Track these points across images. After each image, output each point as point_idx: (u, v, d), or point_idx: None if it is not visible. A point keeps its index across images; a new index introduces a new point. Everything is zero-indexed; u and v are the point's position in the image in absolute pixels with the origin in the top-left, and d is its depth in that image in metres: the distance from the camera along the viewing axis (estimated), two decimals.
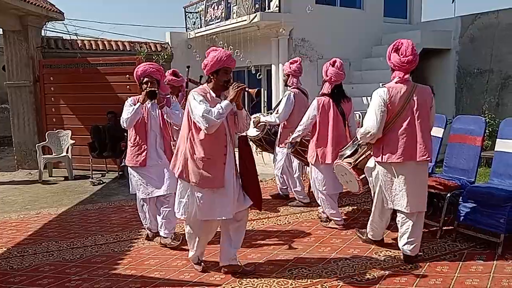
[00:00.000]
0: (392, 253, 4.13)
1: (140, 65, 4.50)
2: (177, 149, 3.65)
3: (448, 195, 4.52)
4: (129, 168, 4.50)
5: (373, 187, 4.02)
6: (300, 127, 4.95)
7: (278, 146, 5.80)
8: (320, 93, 4.90)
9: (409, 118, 3.74)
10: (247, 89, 3.52)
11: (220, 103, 3.39)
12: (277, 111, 5.67)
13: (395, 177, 3.79)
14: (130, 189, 4.53)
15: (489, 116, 8.17)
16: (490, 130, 7.53)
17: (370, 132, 3.74)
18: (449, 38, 9.33)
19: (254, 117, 5.85)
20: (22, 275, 3.92)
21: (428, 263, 3.89)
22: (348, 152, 4.28)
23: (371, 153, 3.95)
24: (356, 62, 9.55)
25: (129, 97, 4.50)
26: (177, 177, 3.63)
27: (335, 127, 4.75)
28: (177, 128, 4.24)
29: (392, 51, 3.84)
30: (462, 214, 4.33)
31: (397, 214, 3.94)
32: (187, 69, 5.23)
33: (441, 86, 9.59)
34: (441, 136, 5.20)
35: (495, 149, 4.62)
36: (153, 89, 4.18)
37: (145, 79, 4.35)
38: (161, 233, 4.47)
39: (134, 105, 4.30)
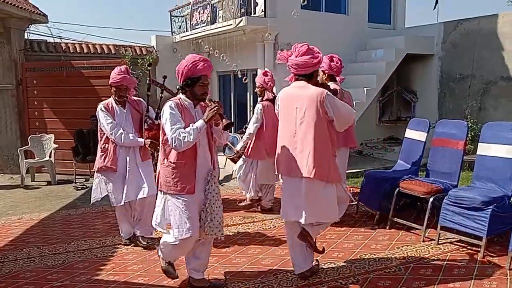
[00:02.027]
0: (376, 256, 4.16)
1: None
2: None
3: (431, 198, 4.58)
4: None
5: None
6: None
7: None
8: None
9: None
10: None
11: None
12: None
13: None
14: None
15: (471, 120, 8.30)
16: (472, 134, 7.65)
17: None
18: (432, 44, 9.48)
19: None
20: (1, 282, 3.84)
21: (411, 266, 3.92)
22: None
23: None
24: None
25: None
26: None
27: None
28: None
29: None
30: (445, 217, 4.38)
31: None
32: (163, 79, 5.03)
33: (424, 91, 9.73)
34: (424, 140, 5.27)
35: (477, 153, 4.69)
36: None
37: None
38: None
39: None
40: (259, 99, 5.80)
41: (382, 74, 8.91)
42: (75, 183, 7.88)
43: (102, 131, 4.48)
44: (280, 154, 3.63)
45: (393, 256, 4.16)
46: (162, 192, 3.40)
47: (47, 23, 9.76)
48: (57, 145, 8.28)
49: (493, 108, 8.56)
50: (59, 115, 8.77)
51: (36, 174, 8.40)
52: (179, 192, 3.28)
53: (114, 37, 37.51)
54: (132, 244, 4.67)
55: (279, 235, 4.85)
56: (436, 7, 10.45)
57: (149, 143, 4.36)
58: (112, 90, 4.53)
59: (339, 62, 4.98)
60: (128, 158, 4.45)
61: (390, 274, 3.78)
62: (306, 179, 3.43)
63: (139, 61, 10.06)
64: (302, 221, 3.47)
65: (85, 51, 10.27)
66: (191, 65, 3.27)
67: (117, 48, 10.64)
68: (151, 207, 3.93)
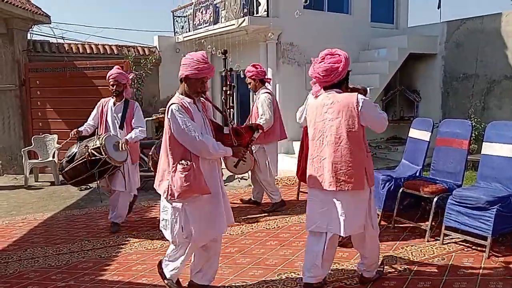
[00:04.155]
0: (381, 256, 4.14)
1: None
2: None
3: (436, 198, 4.56)
4: None
5: None
6: None
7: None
8: None
9: None
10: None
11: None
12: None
13: None
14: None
15: (475, 120, 8.27)
16: (476, 133, 7.62)
17: None
18: (435, 43, 9.45)
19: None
20: (6, 282, 3.85)
21: (416, 266, 3.91)
22: None
23: None
24: None
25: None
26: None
27: None
28: None
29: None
30: (450, 217, 4.36)
31: None
32: (224, 54, 4.82)
33: (428, 90, 9.70)
34: (428, 140, 5.25)
35: (481, 152, 4.67)
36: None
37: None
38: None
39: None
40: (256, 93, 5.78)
41: (385, 73, 8.89)
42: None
43: (175, 141, 3.20)
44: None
45: (397, 256, 4.14)
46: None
47: (50, 23, 9.78)
48: (60, 146, 8.28)
49: (497, 107, 8.53)
50: (62, 115, 8.77)
51: (39, 175, 8.42)
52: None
53: (116, 37, 37.60)
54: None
55: (283, 235, 4.84)
56: (440, 6, 10.44)
57: (242, 151, 3.45)
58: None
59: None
60: (216, 174, 3.41)
61: (395, 274, 3.76)
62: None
63: (142, 61, 10.07)
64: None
65: (88, 51, 10.28)
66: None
67: (120, 48, 10.65)
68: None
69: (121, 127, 5.09)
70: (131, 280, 3.82)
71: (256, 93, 5.74)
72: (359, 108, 3.20)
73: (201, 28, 10.35)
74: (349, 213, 3.28)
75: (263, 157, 5.62)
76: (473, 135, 5.24)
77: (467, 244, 4.34)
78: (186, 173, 3.10)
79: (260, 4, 9.10)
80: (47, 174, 8.45)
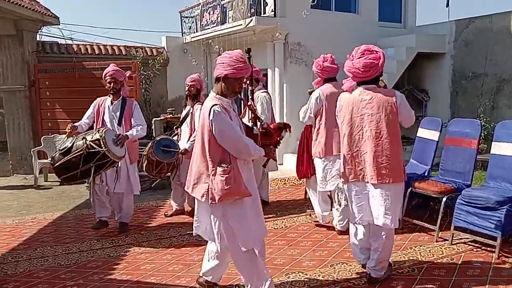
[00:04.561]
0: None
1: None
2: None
3: (444, 198, 4.53)
4: None
5: None
6: None
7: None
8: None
9: None
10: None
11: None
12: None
13: None
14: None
15: (484, 119, 8.20)
16: (485, 133, 7.56)
17: None
18: (444, 42, 9.39)
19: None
20: (16, 281, 3.89)
21: (425, 267, 3.89)
22: None
23: None
24: None
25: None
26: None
27: None
28: None
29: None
30: (459, 217, 4.34)
31: None
32: (248, 53, 4.78)
33: (436, 90, 9.64)
34: (437, 140, 5.22)
35: (491, 152, 4.63)
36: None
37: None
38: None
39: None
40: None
41: (393, 73, 8.85)
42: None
43: (215, 143, 3.07)
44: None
45: (406, 257, 4.12)
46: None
47: (59, 25, 9.85)
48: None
49: (507, 106, 8.45)
50: (71, 116, 8.80)
51: (49, 174, 8.47)
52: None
53: (124, 38, 37.73)
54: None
55: (290, 235, 4.84)
56: (448, 5, 10.36)
57: (273, 151, 3.42)
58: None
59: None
60: (252, 176, 3.34)
61: (403, 275, 3.75)
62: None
63: (150, 62, 10.12)
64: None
65: (97, 52, 10.35)
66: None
67: (128, 49, 10.70)
68: None
69: (119, 125, 5.00)
70: (140, 279, 3.84)
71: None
72: (398, 104, 3.36)
73: (209, 28, 10.37)
74: (388, 205, 3.41)
75: None
76: (482, 134, 5.21)
77: (476, 245, 4.31)
78: (227, 175, 2.99)
79: (267, 4, 9.10)
80: None
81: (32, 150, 8.32)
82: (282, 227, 5.17)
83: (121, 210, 5.19)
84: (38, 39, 9.63)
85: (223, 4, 10.16)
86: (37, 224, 5.64)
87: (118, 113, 5.02)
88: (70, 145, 4.55)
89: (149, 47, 11.14)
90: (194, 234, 3.39)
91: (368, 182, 3.47)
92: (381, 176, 3.38)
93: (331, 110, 4.32)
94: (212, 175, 3.04)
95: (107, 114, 5.07)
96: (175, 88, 10.66)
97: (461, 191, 4.45)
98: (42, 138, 8.54)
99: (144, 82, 9.87)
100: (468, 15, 9.60)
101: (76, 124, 5.01)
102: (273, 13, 8.89)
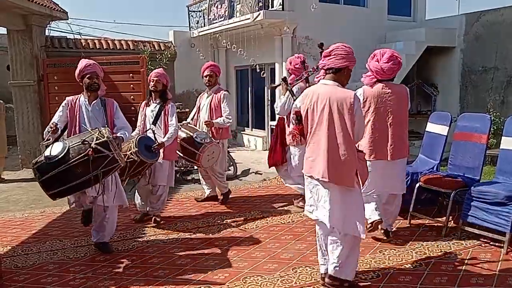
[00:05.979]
0: (397, 251, 4.12)
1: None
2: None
3: (453, 193, 4.50)
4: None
5: None
6: None
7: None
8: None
9: None
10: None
11: None
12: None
13: None
14: None
15: (494, 114, 8.12)
16: (495, 128, 7.49)
17: None
18: (454, 36, 9.29)
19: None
20: (26, 273, 3.93)
21: (432, 261, 3.87)
22: None
23: None
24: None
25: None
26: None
27: None
28: None
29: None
30: (467, 212, 4.31)
31: None
32: (320, 47, 4.85)
33: (446, 84, 9.56)
34: (446, 134, 5.18)
35: (500, 147, 4.59)
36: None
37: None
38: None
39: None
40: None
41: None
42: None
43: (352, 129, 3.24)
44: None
45: (413, 252, 4.11)
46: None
47: (67, 19, 9.90)
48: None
49: None
50: None
51: None
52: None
53: (132, 33, 37.79)
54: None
55: (297, 230, 4.84)
56: None
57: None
58: None
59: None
60: None
61: (411, 270, 3.73)
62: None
63: (157, 56, 10.14)
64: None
65: (105, 47, 10.39)
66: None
67: (135, 44, 10.74)
68: None
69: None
70: (148, 273, 3.86)
71: (211, 89, 5.82)
72: (408, 97, 4.24)
73: (216, 22, 10.36)
74: (402, 176, 4.34)
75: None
76: (492, 129, 5.16)
77: (484, 240, 4.28)
78: (363, 161, 3.39)
79: None
80: None
81: (41, 144, 8.37)
82: (289, 221, 5.17)
83: (103, 228, 4.38)
84: (46, 34, 9.68)
85: None
86: (46, 218, 5.69)
87: (101, 115, 4.44)
88: (63, 151, 3.80)
89: (156, 41, 11.17)
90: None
91: (389, 160, 4.14)
92: (398, 154, 4.17)
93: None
94: (359, 162, 3.27)
95: (85, 115, 4.48)
96: (182, 82, 10.68)
97: (470, 186, 4.41)
98: None
99: None
100: (479, 8, 9.50)
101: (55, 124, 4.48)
102: (281, 6, 8.85)
